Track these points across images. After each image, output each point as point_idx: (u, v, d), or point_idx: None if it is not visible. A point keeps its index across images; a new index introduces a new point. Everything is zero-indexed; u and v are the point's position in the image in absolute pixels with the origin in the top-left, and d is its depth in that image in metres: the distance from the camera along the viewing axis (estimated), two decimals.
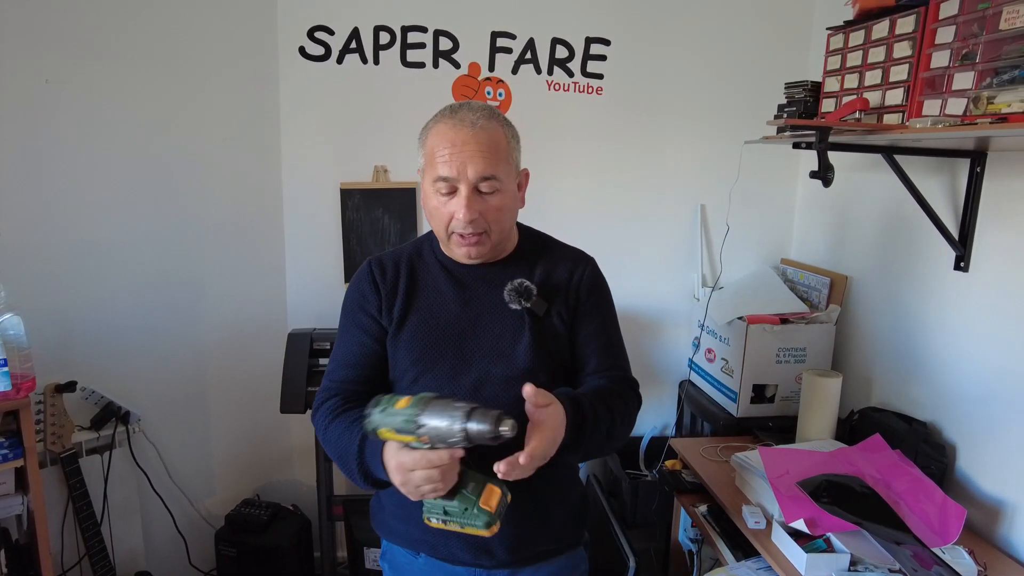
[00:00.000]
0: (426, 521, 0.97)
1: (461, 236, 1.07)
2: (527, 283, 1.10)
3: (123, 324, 1.99)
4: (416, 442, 0.88)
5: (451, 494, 0.93)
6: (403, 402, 0.89)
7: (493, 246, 1.11)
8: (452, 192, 1.05)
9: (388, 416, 0.89)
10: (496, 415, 0.84)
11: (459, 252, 1.10)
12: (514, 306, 1.10)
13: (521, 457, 0.89)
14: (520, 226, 1.21)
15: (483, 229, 1.07)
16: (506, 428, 0.83)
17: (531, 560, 1.15)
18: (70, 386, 1.78)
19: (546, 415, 0.94)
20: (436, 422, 0.85)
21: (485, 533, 0.93)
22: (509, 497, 0.95)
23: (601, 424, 1.05)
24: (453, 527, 0.94)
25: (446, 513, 0.94)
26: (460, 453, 0.87)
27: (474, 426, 0.83)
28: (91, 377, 1.92)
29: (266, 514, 2.18)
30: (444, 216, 1.07)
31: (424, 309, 1.13)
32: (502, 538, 1.09)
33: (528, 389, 0.93)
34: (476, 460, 0.94)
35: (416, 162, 1.14)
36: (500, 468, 0.88)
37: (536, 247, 1.20)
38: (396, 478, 0.91)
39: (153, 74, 1.96)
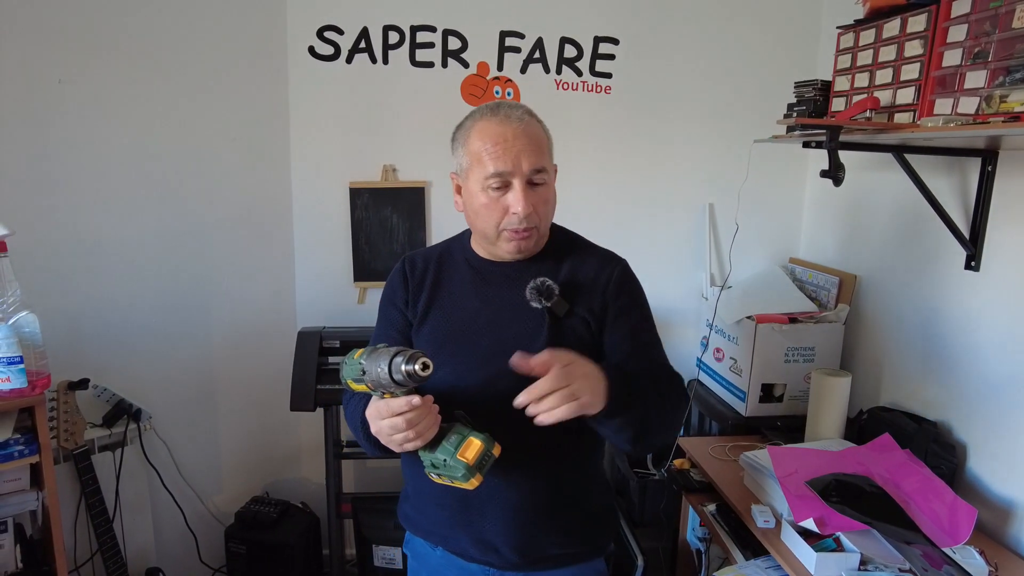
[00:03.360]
0: (428, 475, 0.99)
1: (515, 231, 1.07)
2: (549, 282, 1.09)
3: (134, 322, 2.01)
4: (369, 390, 0.93)
5: (435, 447, 0.95)
6: (358, 353, 0.94)
7: (539, 239, 1.11)
8: (504, 187, 1.05)
9: (347, 367, 0.95)
10: (413, 352, 0.87)
11: (509, 248, 1.09)
12: (535, 304, 1.09)
13: (515, 356, 0.89)
14: (551, 224, 1.19)
15: (535, 223, 1.07)
16: (418, 366, 0.86)
17: (542, 564, 1.14)
18: (83, 384, 1.80)
19: (560, 354, 0.90)
20: (371, 367, 0.89)
21: (466, 486, 0.94)
22: (497, 450, 0.96)
23: (648, 392, 1.01)
24: (445, 481, 0.97)
25: (433, 466, 0.97)
26: (417, 400, 0.89)
27: (394, 365, 0.87)
28: (103, 375, 1.94)
29: (275, 511, 2.20)
30: (496, 212, 1.06)
31: (446, 305, 1.14)
32: (506, 537, 1.10)
33: (515, 359, 0.90)
34: (480, 420, 0.98)
35: (451, 164, 1.13)
36: (519, 400, 0.89)
37: (564, 245, 1.19)
38: (372, 428, 0.95)
39: (163, 74, 1.97)
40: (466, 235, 1.21)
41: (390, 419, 0.91)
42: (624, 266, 1.19)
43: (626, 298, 1.15)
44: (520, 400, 0.88)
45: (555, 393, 0.87)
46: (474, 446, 0.94)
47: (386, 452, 1.03)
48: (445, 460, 0.94)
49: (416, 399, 0.90)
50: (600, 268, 1.15)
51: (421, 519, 1.18)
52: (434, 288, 1.16)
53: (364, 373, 0.90)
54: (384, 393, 0.92)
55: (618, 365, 1.02)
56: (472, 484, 0.94)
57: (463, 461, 0.93)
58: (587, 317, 1.11)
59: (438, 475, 0.97)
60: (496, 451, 0.96)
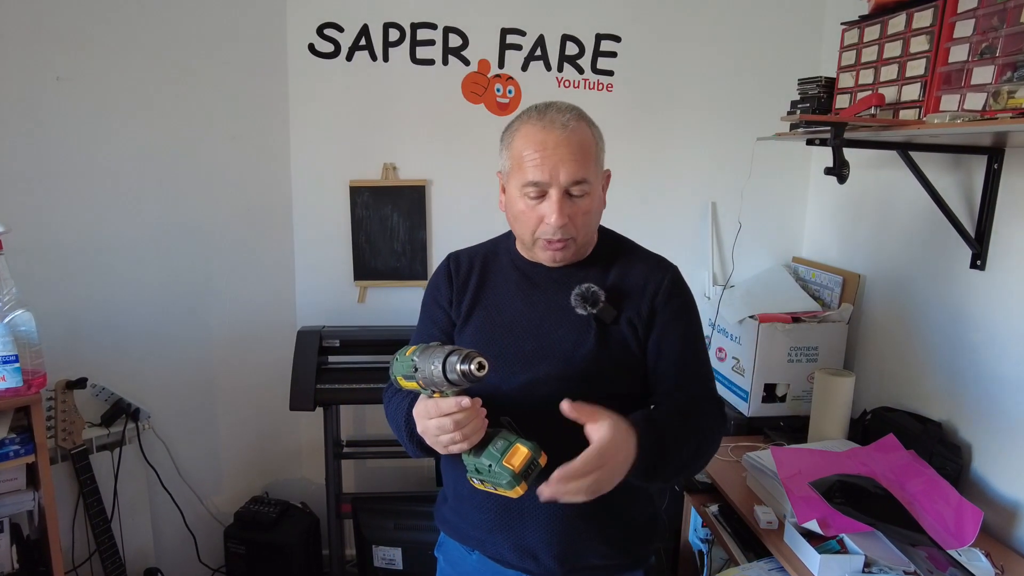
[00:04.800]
0: (469, 481, 0.98)
1: (548, 242, 1.05)
2: (595, 288, 1.06)
3: (133, 321, 2.00)
4: (419, 388, 0.93)
5: (480, 451, 0.94)
6: (411, 350, 0.93)
7: (577, 249, 1.09)
8: (541, 196, 1.03)
9: (398, 363, 0.94)
10: (468, 352, 0.86)
11: (544, 256, 1.08)
12: (580, 311, 1.07)
13: (554, 475, 0.86)
14: (600, 228, 1.17)
15: (571, 235, 1.05)
16: (474, 366, 0.85)
17: (580, 573, 1.11)
18: (80, 383, 1.79)
19: (602, 432, 0.88)
20: (424, 364, 0.89)
21: (511, 494, 0.92)
22: (544, 459, 0.94)
23: (682, 445, 0.99)
24: (488, 487, 0.96)
25: (477, 471, 0.95)
26: (467, 401, 0.89)
27: (448, 363, 0.86)
28: (101, 374, 1.93)
29: (275, 511, 2.19)
30: (532, 221, 1.05)
31: (491, 306, 1.13)
32: (547, 544, 1.07)
33: (565, 406, 0.89)
34: (525, 428, 0.96)
35: (497, 163, 1.11)
36: (542, 492, 0.87)
37: (614, 250, 1.16)
38: (419, 427, 0.95)
39: (162, 72, 1.96)
40: (512, 235, 1.18)
41: (438, 419, 0.90)
42: (675, 273, 1.14)
43: (675, 308, 1.11)
44: (555, 478, 0.87)
45: (582, 485, 0.87)
46: (521, 453, 0.92)
47: (427, 452, 1.02)
48: (490, 466, 0.92)
49: (466, 400, 0.89)
50: (649, 274, 1.12)
51: (459, 522, 1.16)
52: (479, 288, 1.15)
53: (416, 370, 0.90)
54: (434, 392, 0.91)
55: (653, 420, 0.98)
56: (517, 492, 0.92)
57: (509, 468, 0.91)
58: (634, 322, 1.08)
59: (480, 481, 0.96)
60: (543, 460, 0.94)
